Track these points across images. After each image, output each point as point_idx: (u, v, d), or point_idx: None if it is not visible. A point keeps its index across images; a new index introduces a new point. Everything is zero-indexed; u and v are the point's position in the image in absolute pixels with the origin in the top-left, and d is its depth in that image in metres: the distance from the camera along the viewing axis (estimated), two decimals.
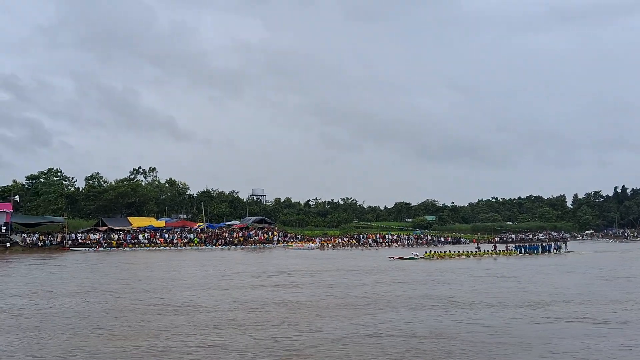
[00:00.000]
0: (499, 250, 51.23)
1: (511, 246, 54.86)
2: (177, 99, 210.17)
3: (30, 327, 13.88)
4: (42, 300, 18.79)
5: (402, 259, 42.51)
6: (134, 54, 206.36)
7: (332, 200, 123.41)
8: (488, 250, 50.74)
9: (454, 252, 47.35)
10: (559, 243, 57.70)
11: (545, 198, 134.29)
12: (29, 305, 17.44)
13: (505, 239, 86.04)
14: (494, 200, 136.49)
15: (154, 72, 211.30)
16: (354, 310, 16.57)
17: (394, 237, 75.78)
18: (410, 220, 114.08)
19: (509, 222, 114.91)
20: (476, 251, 49.48)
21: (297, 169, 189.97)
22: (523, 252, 51.09)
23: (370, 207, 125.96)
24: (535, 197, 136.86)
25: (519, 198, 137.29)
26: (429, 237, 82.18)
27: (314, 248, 62.46)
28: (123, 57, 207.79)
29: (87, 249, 55.32)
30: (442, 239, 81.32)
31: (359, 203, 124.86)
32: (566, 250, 53.85)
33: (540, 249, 52.55)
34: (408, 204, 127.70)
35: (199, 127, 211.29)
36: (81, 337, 12.80)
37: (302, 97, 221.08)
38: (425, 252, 45.98)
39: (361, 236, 76.56)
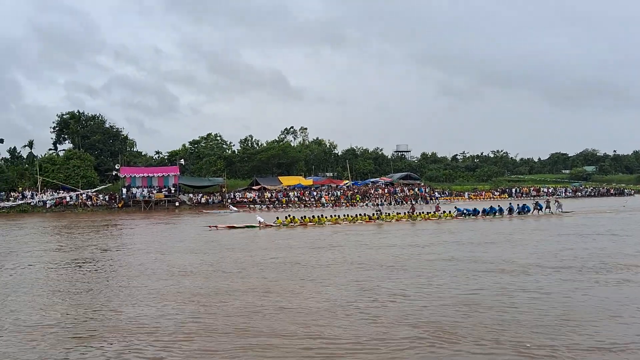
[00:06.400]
0: (420, 213, 36.65)
1: (451, 208, 38.76)
2: (281, 57, 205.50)
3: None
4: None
5: (232, 227, 31.72)
6: (221, 14, 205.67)
7: (482, 153, 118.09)
8: (399, 213, 36.57)
9: (334, 217, 34.81)
10: (544, 202, 41.00)
11: None
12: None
13: None
14: None
15: (247, 30, 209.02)
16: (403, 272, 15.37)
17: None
18: (567, 171, 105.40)
19: None
20: (376, 214, 35.25)
21: (423, 122, 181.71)
22: (472, 215, 36.38)
23: (522, 159, 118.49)
24: None
25: None
26: (589, 189, 76.05)
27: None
28: (211, 17, 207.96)
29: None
30: (603, 190, 74.97)
31: (510, 155, 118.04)
32: (559, 210, 38.32)
33: (506, 210, 37.38)
34: (565, 154, 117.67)
35: (310, 83, 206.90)
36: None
37: (409, 45, 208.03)
38: (278, 218, 33.61)
39: (513, 190, 72.89)
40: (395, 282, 13.91)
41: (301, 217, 34.24)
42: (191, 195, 62.75)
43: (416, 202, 60.17)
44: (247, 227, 32.07)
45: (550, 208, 39.09)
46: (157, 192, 59.85)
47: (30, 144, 76.38)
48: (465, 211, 37.07)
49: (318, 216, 34.58)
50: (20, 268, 17.76)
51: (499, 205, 39.27)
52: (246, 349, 8.84)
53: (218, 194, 63.00)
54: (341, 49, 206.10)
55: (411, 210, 37.49)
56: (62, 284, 14.77)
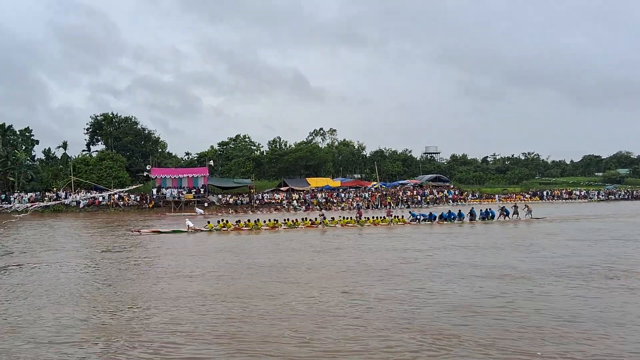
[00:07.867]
0: (369, 218, 34.59)
1: (405, 212, 37.78)
2: (299, 57, 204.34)
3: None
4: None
5: (157, 232, 29.94)
6: (237, 15, 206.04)
7: (512, 155, 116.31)
8: (346, 218, 34.87)
9: (271, 221, 33.22)
10: (512, 207, 39.18)
11: None
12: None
13: None
14: None
15: (264, 31, 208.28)
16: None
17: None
18: (600, 174, 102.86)
19: None
20: (319, 219, 33.75)
21: (450, 123, 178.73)
22: (427, 220, 35.11)
23: (554, 161, 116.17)
24: None
25: None
26: (622, 192, 74.49)
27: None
28: (227, 18, 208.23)
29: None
30: (637, 193, 73.59)
31: (542, 157, 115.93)
32: (528, 216, 36.88)
33: (467, 216, 36.07)
34: (598, 156, 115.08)
35: (330, 83, 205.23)
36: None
37: (429, 45, 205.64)
38: (209, 222, 32.15)
39: (545, 193, 71.78)
40: (388, 289, 13.66)
41: (236, 222, 32.50)
42: (220, 196, 63.26)
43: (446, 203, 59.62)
44: (175, 232, 30.55)
45: (518, 214, 37.55)
46: (186, 193, 60.55)
47: (65, 145, 78.17)
48: (419, 217, 35.79)
49: (255, 220, 33.17)
50: (44, 266, 18.13)
51: (459, 210, 37.83)
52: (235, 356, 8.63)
53: (246, 194, 63.40)
54: (360, 48, 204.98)
55: (358, 215, 35.77)
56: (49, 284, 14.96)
